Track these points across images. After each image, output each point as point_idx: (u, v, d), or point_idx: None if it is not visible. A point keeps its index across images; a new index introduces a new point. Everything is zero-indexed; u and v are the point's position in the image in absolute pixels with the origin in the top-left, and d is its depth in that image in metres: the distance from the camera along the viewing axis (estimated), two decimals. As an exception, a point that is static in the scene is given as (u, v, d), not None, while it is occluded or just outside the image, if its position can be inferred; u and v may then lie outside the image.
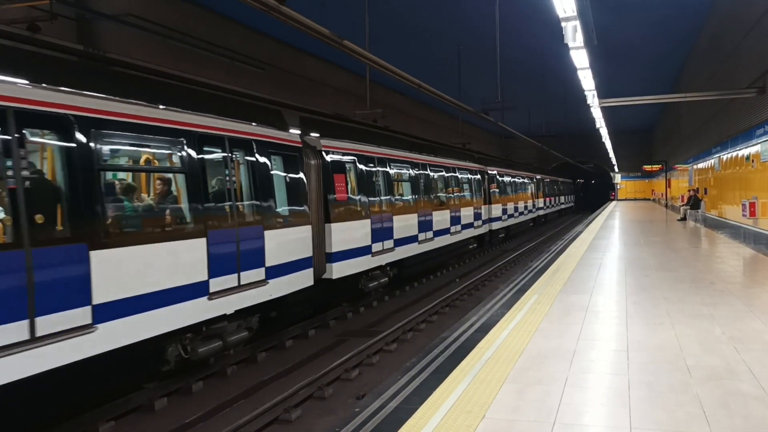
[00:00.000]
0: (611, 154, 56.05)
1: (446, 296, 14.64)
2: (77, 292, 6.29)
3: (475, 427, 4.59)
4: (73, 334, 6.18)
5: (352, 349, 10.12)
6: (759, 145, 17.79)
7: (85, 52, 8.29)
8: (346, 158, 13.03)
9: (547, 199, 43.72)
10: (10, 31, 7.00)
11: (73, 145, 6.50)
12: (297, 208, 10.64)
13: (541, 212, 40.85)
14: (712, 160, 25.89)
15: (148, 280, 7.18)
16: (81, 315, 6.30)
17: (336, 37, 8.87)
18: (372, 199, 13.91)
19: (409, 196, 16.40)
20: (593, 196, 78.98)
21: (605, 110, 28.77)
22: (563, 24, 11.75)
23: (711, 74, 25.64)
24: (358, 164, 13.49)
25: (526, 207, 34.51)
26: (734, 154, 21.25)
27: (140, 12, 15.85)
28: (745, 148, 19.43)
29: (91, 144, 6.67)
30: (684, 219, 27.68)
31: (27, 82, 6.12)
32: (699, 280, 10.75)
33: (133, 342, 6.97)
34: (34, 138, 6.24)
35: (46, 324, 5.88)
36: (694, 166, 32.23)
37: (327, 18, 13.83)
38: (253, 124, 9.74)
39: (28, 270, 5.76)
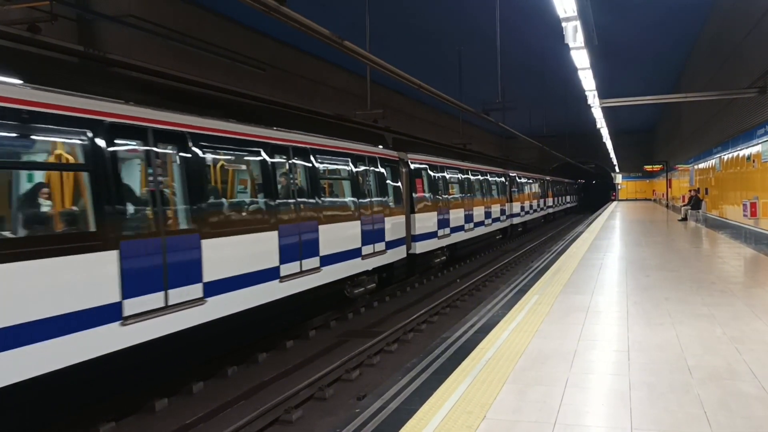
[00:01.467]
0: (612, 155, 56.03)
1: (447, 297, 14.64)
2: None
3: (476, 427, 4.59)
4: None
5: (352, 350, 10.12)
6: (760, 145, 17.79)
7: (86, 53, 8.30)
8: (422, 167, 17.78)
9: (556, 198, 48.45)
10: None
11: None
12: (399, 203, 15.43)
13: (551, 210, 45.51)
14: (713, 160, 25.88)
15: (329, 247, 11.51)
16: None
17: (336, 37, 8.87)
18: (436, 196, 18.69)
19: (458, 195, 21.14)
20: (594, 197, 78.96)
21: (606, 110, 28.78)
22: (564, 24, 11.74)
23: (712, 74, 25.63)
24: (429, 171, 18.31)
25: (539, 205, 39.55)
26: (735, 154, 21.25)
27: (141, 13, 15.86)
28: (746, 148, 19.43)
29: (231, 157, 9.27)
30: (685, 219, 27.67)
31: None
32: (700, 281, 10.74)
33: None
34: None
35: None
36: (695, 167, 32.22)
37: (327, 18, 13.84)
38: (380, 147, 15.19)
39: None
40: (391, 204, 14.82)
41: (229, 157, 9.21)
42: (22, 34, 7.50)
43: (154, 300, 7.28)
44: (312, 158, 11.31)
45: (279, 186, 10.10)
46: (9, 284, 5.61)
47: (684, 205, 29.56)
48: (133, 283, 6.94)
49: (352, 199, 12.86)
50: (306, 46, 24.06)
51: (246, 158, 9.57)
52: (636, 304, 8.82)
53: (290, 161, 10.52)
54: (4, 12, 9.78)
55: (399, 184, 15.64)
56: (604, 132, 38.38)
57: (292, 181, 10.49)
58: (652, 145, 62.58)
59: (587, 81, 18.64)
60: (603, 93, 22.85)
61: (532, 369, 5.91)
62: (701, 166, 30.07)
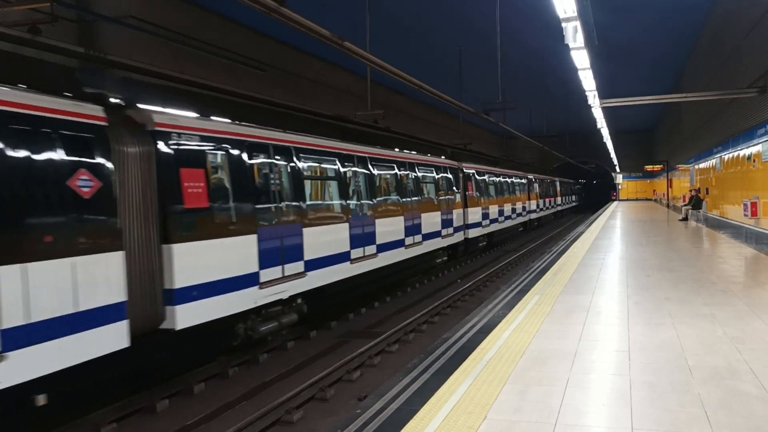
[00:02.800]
0: (612, 154, 55.99)
1: (448, 297, 14.65)
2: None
3: (477, 427, 4.60)
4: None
5: (353, 350, 10.14)
6: (760, 144, 17.77)
7: (86, 55, 8.31)
8: (471, 172, 22.99)
9: (563, 198, 55.15)
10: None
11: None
12: (457, 199, 20.53)
13: (560, 208, 52.36)
14: (714, 160, 25.87)
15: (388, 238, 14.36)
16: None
17: (336, 38, 8.88)
18: (481, 196, 24.04)
19: (494, 195, 26.55)
20: (595, 197, 78.91)
21: (606, 110, 28.77)
22: (564, 24, 11.74)
23: (712, 74, 25.62)
24: (476, 176, 23.61)
25: (550, 204, 45.64)
26: (735, 153, 21.23)
27: (141, 14, 15.87)
28: (747, 147, 19.41)
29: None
30: (685, 219, 27.65)
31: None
32: (701, 280, 10.74)
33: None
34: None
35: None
36: (696, 166, 32.20)
37: (327, 19, 13.84)
38: (442, 157, 20.27)
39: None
40: (455, 200, 20.29)
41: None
42: (23, 35, 7.51)
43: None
44: (414, 169, 16.85)
45: (396, 188, 15.32)
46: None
47: (685, 205, 29.54)
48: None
49: (436, 196, 18.43)
50: (306, 47, 24.07)
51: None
52: (637, 304, 8.83)
53: (401, 172, 15.82)
54: (4, 14, 9.80)
55: (458, 185, 21.20)
56: (605, 132, 38.36)
57: (405, 186, 15.91)
58: (652, 145, 62.52)
59: (587, 81, 18.63)
60: (603, 93, 22.85)
61: (532, 369, 5.91)
62: (702, 165, 30.05)
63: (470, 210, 22.27)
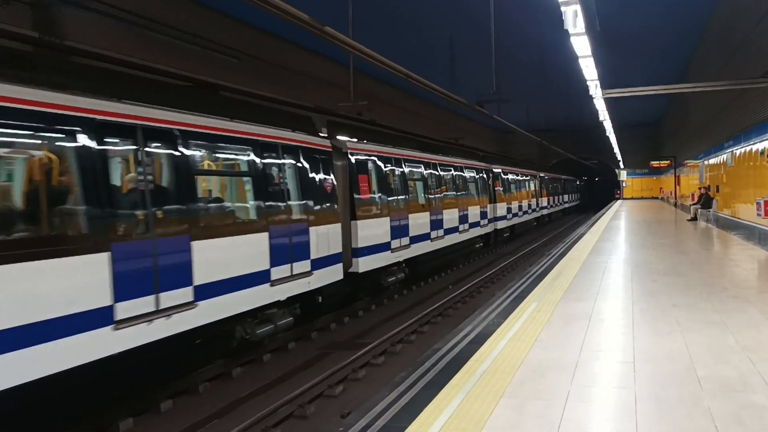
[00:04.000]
0: (616, 150, 56.27)
1: (438, 304, 14.66)
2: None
3: (470, 446, 4.58)
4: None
5: (336, 363, 10.11)
6: (774, 138, 17.93)
7: (41, 40, 8.22)
8: (498, 172, 29.43)
9: (570, 195, 62.64)
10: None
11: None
12: (488, 196, 26.91)
13: (566, 205, 59.11)
14: (724, 155, 26.06)
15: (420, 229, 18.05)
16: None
17: (317, 23, 8.85)
18: (507, 193, 30.41)
19: (514, 191, 32.61)
20: (597, 195, 79.30)
21: (609, 102, 28.87)
22: (563, 8, 11.76)
23: (722, 63, 25.82)
24: (502, 175, 30.03)
25: (558, 201, 52.50)
26: (748, 148, 21.40)
27: (103, -4, 15.76)
28: (760, 141, 19.57)
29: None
30: (694, 219, 27.84)
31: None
32: (711, 285, 10.81)
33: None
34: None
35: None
36: (705, 162, 32.45)
37: (307, 3, 13.78)
38: (474, 160, 25.90)
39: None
40: (488, 197, 26.72)
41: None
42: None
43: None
44: (463, 171, 23.21)
45: (454, 187, 21.72)
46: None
47: (693, 204, 29.75)
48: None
49: (477, 194, 24.76)
50: (287, 34, 24.00)
51: (434, 171, 19.81)
52: (642, 311, 8.87)
53: (457, 174, 22.41)
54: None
55: (489, 185, 27.54)
56: (608, 125, 38.53)
57: (459, 186, 22.35)
58: (658, 140, 62.93)
59: (589, 70, 18.69)
60: (606, 83, 22.94)
61: (530, 382, 5.91)
62: (711, 161, 30.27)
63: (499, 206, 28.74)
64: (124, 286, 7.25)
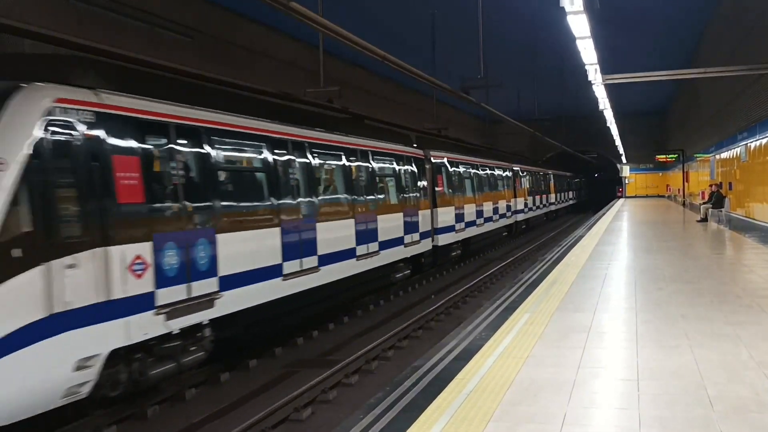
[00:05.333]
0: (618, 142, 56.76)
1: (419, 316, 14.68)
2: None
3: (455, 476, 4.60)
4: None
5: (303, 383, 10.07)
6: (792, 130, 18.21)
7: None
8: (519, 170, 38.58)
9: (575, 192, 70.60)
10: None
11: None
12: (511, 191, 36.35)
13: (571, 202, 66.24)
14: (738, 149, 26.41)
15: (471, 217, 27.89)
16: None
17: (281, -3, 8.83)
18: (530, 190, 41.25)
19: (534, 188, 42.67)
20: (597, 193, 79.98)
21: (610, 88, 29.10)
22: (559, -17, 11.87)
23: (734, 45, 26.15)
24: (522, 173, 39.17)
25: (566, 196, 61.69)
26: (764, 140, 21.71)
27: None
28: (777, 134, 19.87)
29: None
30: (705, 220, 28.17)
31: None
32: (723, 294, 10.94)
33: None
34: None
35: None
36: (716, 156, 32.85)
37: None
38: (503, 161, 36.56)
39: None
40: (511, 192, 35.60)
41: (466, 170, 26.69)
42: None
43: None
44: (493, 172, 32.08)
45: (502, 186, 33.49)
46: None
47: (703, 203, 30.10)
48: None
49: (508, 190, 34.44)
50: (243, 9, 23.88)
51: (474, 171, 28.08)
52: (646, 322, 8.95)
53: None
54: None
55: (513, 182, 36.26)
56: (608, 114, 38.86)
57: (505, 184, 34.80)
58: (665, 131, 63.57)
59: (587, 53, 18.83)
60: (606, 68, 23.14)
61: (522, 403, 5.95)
62: (723, 155, 30.66)
63: (519, 200, 37.06)
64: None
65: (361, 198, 15.95)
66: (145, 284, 8.71)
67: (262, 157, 12.06)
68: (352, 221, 15.28)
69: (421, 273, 21.05)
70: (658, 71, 23.55)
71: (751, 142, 23.55)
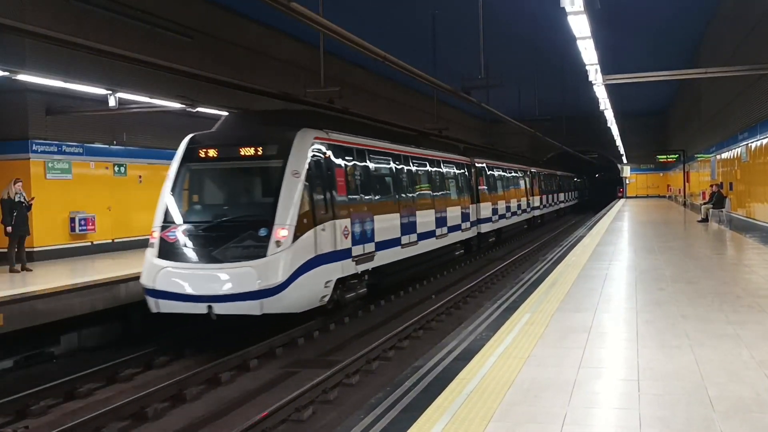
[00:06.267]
0: (618, 142, 56.76)
1: (419, 317, 14.67)
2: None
3: (455, 476, 4.61)
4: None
5: (304, 384, 10.08)
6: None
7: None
8: (536, 171, 45.32)
9: (578, 192, 75.16)
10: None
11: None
12: (531, 192, 42.94)
13: (576, 200, 72.00)
14: (739, 149, 26.41)
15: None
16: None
17: (282, -3, 8.84)
18: (545, 189, 48.78)
19: (547, 188, 49.57)
20: (598, 193, 79.95)
21: (611, 89, 29.10)
22: (559, -17, 11.86)
23: (736, 45, 26.16)
24: (540, 175, 47.02)
25: (572, 195, 68.30)
26: (765, 141, 21.71)
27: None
28: (777, 134, 19.87)
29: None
30: (705, 220, 28.17)
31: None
32: (724, 294, 10.94)
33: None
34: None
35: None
36: (717, 156, 32.86)
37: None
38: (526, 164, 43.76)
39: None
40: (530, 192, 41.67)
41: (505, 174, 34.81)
42: None
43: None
44: (517, 174, 38.74)
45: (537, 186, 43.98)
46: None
47: (704, 203, 30.10)
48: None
49: (528, 190, 40.66)
50: (245, 9, 23.91)
51: (514, 174, 37.60)
52: (647, 323, 8.96)
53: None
54: None
55: (531, 183, 41.81)
56: (609, 115, 38.85)
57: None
58: (665, 132, 63.59)
59: (588, 53, 18.82)
60: (607, 68, 23.13)
61: (523, 403, 5.96)
62: (724, 155, 30.67)
63: (535, 199, 42.64)
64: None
65: (438, 194, 22.44)
66: (348, 243, 14.58)
67: (390, 166, 18.39)
68: (433, 211, 21.42)
69: (469, 253, 27.47)
70: (658, 71, 23.54)
71: (752, 142, 23.55)
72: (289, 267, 12.27)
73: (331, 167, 14.31)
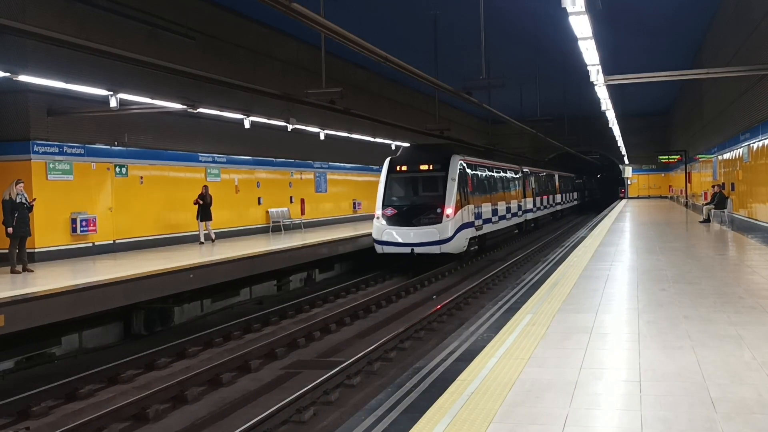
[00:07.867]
0: (620, 143, 56.76)
1: (421, 318, 14.68)
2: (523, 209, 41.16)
3: (456, 477, 4.60)
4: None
5: (305, 384, 10.09)
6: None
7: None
8: (540, 173, 48.74)
9: (578, 192, 75.47)
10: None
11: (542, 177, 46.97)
12: (549, 191, 53.82)
13: (576, 202, 72.83)
14: (741, 150, 26.39)
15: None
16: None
17: (283, -2, 8.84)
18: (551, 189, 53.66)
19: (560, 189, 57.82)
20: (599, 194, 79.88)
21: (612, 89, 29.10)
22: (560, -17, 11.84)
23: (738, 46, 26.15)
24: (553, 177, 54.59)
25: (578, 195, 71.84)
26: (767, 141, 21.69)
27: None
28: (780, 134, 19.84)
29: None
30: (707, 220, 28.15)
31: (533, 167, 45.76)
32: (726, 295, 10.93)
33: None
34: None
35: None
36: (719, 157, 32.84)
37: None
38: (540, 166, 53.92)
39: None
40: (555, 191, 54.06)
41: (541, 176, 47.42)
42: None
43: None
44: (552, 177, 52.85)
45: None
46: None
47: (706, 204, 30.08)
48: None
49: (553, 189, 52.62)
50: (246, 10, 23.93)
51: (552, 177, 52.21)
52: (649, 323, 8.94)
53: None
54: None
55: (555, 184, 53.74)
56: (611, 115, 38.86)
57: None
58: (667, 132, 63.54)
59: (589, 53, 18.81)
60: (608, 68, 23.13)
61: (524, 404, 5.95)
62: (726, 156, 30.65)
63: (539, 199, 45.05)
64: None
65: (511, 191, 33.68)
66: (473, 219, 25.51)
67: (489, 174, 29.76)
68: (511, 202, 33.93)
69: (522, 233, 38.25)
70: (660, 72, 23.50)
71: (754, 142, 23.53)
72: (452, 228, 22.88)
73: (466, 175, 25.38)
